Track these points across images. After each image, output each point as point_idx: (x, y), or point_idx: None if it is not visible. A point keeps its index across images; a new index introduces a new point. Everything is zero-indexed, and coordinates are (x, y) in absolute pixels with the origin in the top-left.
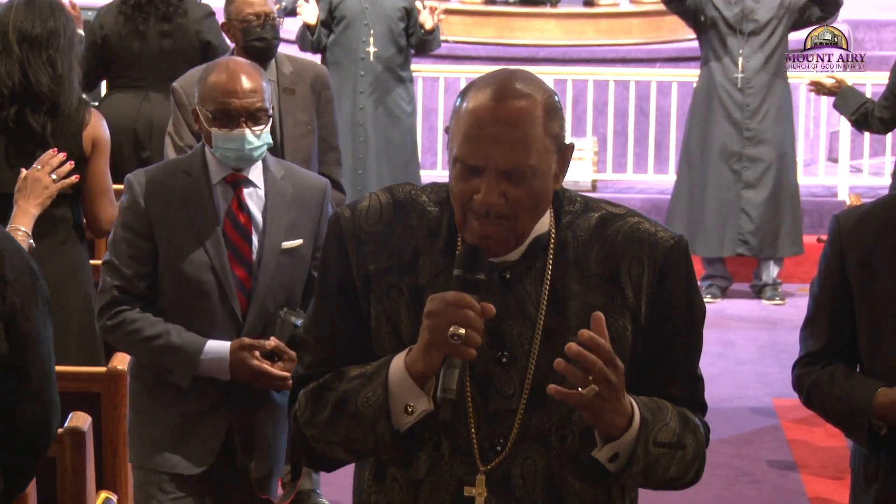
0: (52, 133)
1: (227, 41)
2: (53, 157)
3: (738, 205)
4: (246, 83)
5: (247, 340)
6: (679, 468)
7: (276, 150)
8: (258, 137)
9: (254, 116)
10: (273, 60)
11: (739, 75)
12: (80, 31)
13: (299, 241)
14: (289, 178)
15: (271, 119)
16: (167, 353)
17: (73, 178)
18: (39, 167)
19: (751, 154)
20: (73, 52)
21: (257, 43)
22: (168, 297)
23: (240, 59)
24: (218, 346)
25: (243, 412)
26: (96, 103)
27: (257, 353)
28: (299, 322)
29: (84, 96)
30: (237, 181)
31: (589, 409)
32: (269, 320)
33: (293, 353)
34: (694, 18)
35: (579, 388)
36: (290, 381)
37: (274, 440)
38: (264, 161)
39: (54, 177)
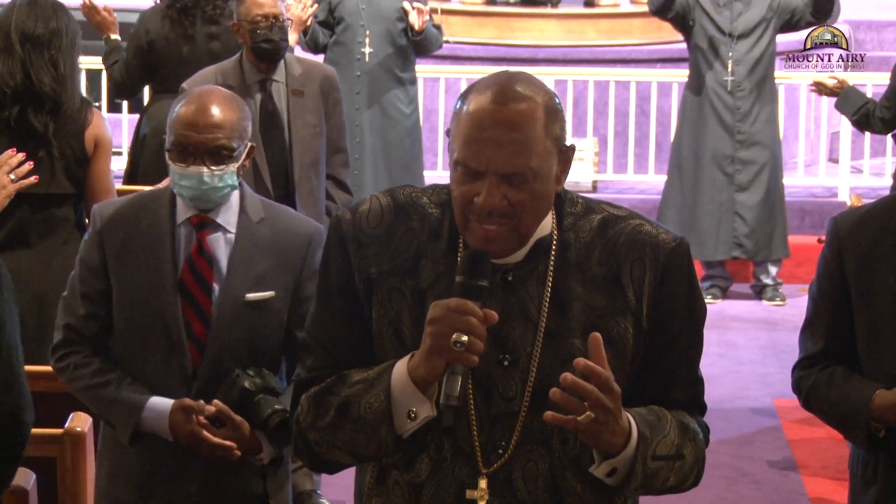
0: (55, 133)
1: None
2: (12, 156)
3: (731, 208)
4: (212, 117)
5: (188, 402)
6: (678, 477)
7: (285, 152)
8: (218, 178)
9: (214, 155)
10: (283, 62)
11: (729, 78)
12: (117, 36)
13: (269, 294)
14: (269, 223)
15: (238, 162)
16: (108, 405)
17: (33, 179)
18: None
19: (743, 157)
20: (76, 52)
21: (264, 45)
22: (120, 343)
23: (220, 90)
24: (161, 404)
25: (212, 472)
26: (98, 104)
27: (200, 418)
28: (256, 384)
29: (85, 96)
30: (202, 223)
31: (585, 434)
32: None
33: (238, 420)
34: (682, 23)
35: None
36: (235, 452)
37: (249, 500)
38: (242, 202)
39: (13, 177)
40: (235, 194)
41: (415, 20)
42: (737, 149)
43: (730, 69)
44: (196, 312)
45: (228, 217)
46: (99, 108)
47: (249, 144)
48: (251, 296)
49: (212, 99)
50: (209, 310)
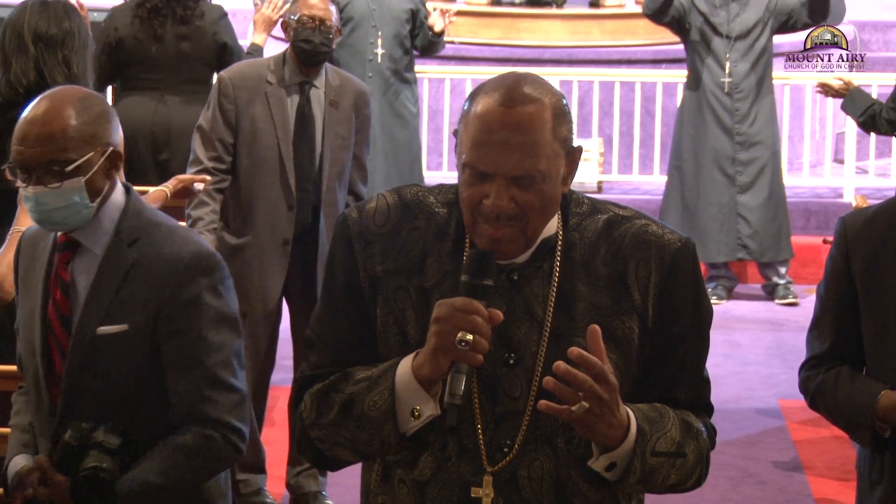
0: None
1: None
2: None
3: (734, 209)
4: (42, 127)
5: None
6: (680, 475)
7: (314, 159)
8: (57, 196)
9: (48, 170)
10: (324, 69)
11: (727, 80)
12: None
13: (122, 327)
14: (141, 245)
15: (86, 174)
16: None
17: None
18: None
19: (743, 158)
20: (87, 54)
21: (303, 44)
22: None
23: (63, 91)
24: (13, 467)
25: None
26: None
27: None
28: (79, 438)
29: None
30: (64, 245)
31: (580, 425)
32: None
33: (57, 479)
34: (678, 26)
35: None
36: None
37: None
38: (121, 219)
39: None
40: (114, 210)
41: (437, 20)
42: (737, 150)
43: (727, 70)
44: (58, 347)
45: (98, 238)
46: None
47: (111, 149)
48: (103, 329)
49: (45, 106)
50: (66, 345)
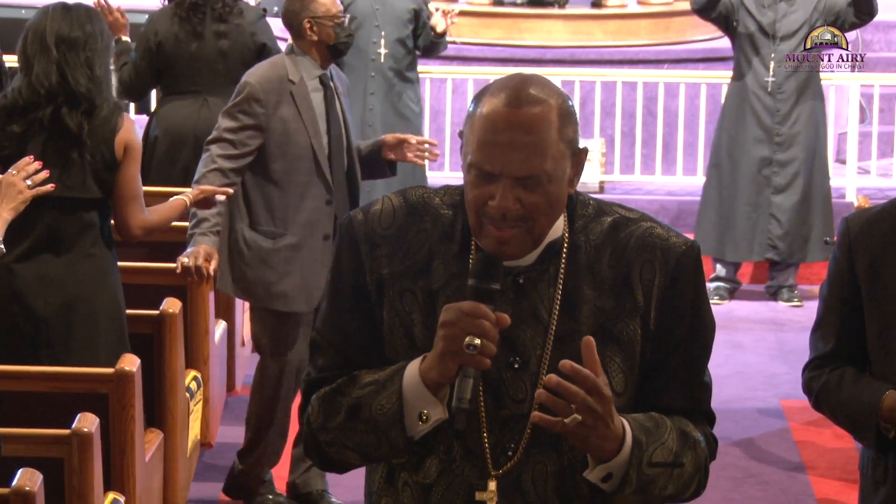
0: (89, 134)
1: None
2: (29, 163)
3: (767, 210)
4: None
5: None
6: (677, 485)
7: (342, 144)
8: None
9: None
10: None
11: (770, 79)
12: (127, 38)
13: None
14: None
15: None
16: None
17: (49, 187)
18: (15, 172)
19: (781, 159)
20: (109, 57)
21: (348, 39)
22: None
23: None
24: None
25: None
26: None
27: None
28: None
29: (117, 101)
30: None
31: (574, 438)
32: None
33: None
34: (725, 24)
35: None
36: None
37: None
38: None
39: (29, 182)
40: None
41: (439, 21)
42: (775, 151)
43: (771, 70)
44: None
45: None
46: (126, 110)
47: None
48: None
49: None
50: None
